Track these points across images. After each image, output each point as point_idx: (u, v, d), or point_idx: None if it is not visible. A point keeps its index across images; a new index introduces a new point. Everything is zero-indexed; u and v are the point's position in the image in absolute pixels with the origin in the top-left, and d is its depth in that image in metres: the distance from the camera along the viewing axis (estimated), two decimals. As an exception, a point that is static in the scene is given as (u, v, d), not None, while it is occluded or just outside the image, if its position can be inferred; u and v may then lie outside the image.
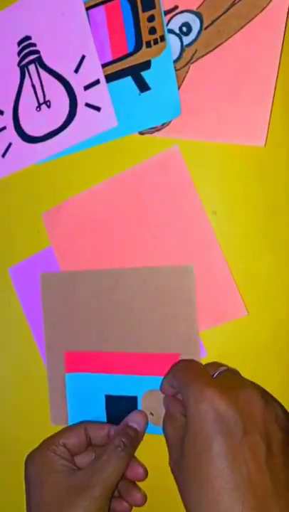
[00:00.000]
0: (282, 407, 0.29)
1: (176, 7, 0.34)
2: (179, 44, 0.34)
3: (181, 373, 0.31)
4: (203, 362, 0.34)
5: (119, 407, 0.35)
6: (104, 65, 0.35)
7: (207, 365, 0.33)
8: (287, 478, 0.26)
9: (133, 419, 0.34)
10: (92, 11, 0.35)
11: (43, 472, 0.32)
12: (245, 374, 0.34)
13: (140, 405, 0.35)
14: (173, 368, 0.32)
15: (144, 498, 0.34)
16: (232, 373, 0.31)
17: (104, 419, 0.36)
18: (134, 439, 0.33)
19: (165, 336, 0.34)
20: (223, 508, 0.25)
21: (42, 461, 0.33)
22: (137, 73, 0.34)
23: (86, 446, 0.34)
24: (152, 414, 0.35)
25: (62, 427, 0.35)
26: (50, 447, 0.33)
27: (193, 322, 0.34)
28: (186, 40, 0.34)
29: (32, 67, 0.36)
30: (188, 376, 0.30)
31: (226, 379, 0.30)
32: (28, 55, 0.36)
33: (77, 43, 0.35)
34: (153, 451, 0.34)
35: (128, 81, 0.35)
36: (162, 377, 0.34)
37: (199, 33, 0.33)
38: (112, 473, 0.30)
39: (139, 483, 0.35)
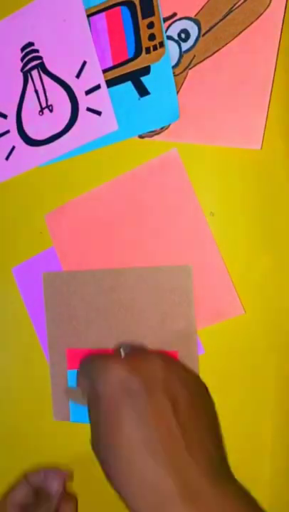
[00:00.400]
0: (184, 366, 0.31)
1: (174, 14, 0.34)
2: (178, 50, 0.35)
3: (86, 360, 0.32)
4: (201, 360, 0.35)
5: None
6: (104, 71, 0.36)
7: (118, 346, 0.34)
8: (196, 430, 0.27)
9: (47, 484, 0.36)
10: (93, 18, 0.36)
11: None
12: (242, 371, 0.35)
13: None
14: (80, 361, 0.33)
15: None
16: (137, 348, 0.32)
17: None
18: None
19: (164, 334, 0.35)
20: (138, 466, 0.26)
21: None
22: (136, 78, 0.35)
23: (33, 494, 0.35)
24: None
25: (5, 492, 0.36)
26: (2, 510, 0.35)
27: (191, 321, 0.35)
28: (185, 46, 0.34)
29: (35, 73, 0.37)
30: (93, 359, 0.31)
31: (130, 354, 0.31)
32: (31, 61, 0.37)
33: (78, 49, 0.36)
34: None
35: (128, 86, 0.35)
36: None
37: (197, 39, 0.34)
38: None
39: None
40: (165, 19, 0.34)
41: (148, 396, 0.27)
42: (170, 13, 0.34)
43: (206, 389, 0.31)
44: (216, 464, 0.27)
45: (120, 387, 0.28)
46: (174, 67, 0.35)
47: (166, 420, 0.27)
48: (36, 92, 0.37)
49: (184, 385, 0.29)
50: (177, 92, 0.35)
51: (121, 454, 0.26)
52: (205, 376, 0.35)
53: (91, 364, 0.31)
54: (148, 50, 0.35)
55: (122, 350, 0.33)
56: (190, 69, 0.34)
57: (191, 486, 0.25)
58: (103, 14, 0.35)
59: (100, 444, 0.28)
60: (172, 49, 0.34)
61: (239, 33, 0.33)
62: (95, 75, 0.36)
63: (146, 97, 0.35)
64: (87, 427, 0.36)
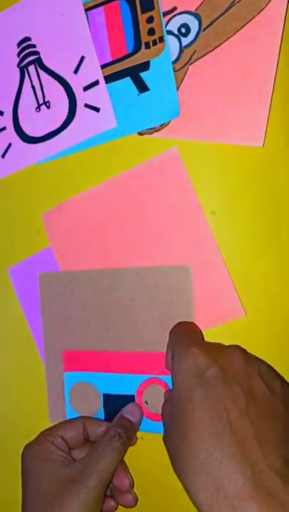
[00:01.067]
0: (267, 364, 0.30)
1: (174, 8, 0.34)
2: (178, 45, 0.34)
3: (173, 334, 0.32)
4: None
5: (117, 406, 0.35)
6: (103, 66, 0.35)
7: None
8: (271, 429, 0.26)
9: (128, 411, 0.35)
10: (91, 12, 0.35)
11: (39, 461, 0.32)
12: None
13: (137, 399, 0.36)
14: (170, 331, 0.33)
15: (136, 499, 0.34)
16: (211, 343, 0.31)
17: (102, 418, 0.36)
18: (129, 429, 0.33)
19: (163, 335, 0.34)
20: (204, 455, 0.24)
21: (39, 451, 0.33)
22: (136, 74, 0.35)
23: (83, 442, 0.34)
24: (147, 403, 0.35)
25: (61, 421, 0.35)
26: (47, 438, 0.33)
27: (191, 321, 0.34)
28: (185, 41, 0.34)
29: (32, 68, 0.37)
30: (177, 337, 0.31)
31: (213, 342, 0.30)
32: (28, 56, 0.37)
33: (76, 44, 0.35)
34: (151, 451, 0.34)
35: (127, 82, 0.35)
36: (160, 376, 0.34)
37: (198, 34, 0.34)
38: (108, 464, 0.30)
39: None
40: (165, 13, 0.34)
41: (224, 386, 0.26)
42: (170, 8, 0.34)
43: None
44: (287, 463, 0.25)
45: (196, 374, 0.27)
46: (174, 62, 0.34)
47: (239, 411, 0.26)
48: (33, 88, 0.37)
49: (264, 381, 0.28)
50: (177, 88, 0.34)
51: (189, 441, 0.25)
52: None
53: (175, 340, 0.31)
54: (147, 45, 0.34)
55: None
56: (190, 64, 0.34)
57: (262, 481, 0.23)
58: (101, 8, 0.35)
59: (171, 435, 0.28)
60: (172, 44, 0.34)
61: (240, 28, 0.33)
62: (93, 71, 0.35)
63: (146, 93, 0.35)
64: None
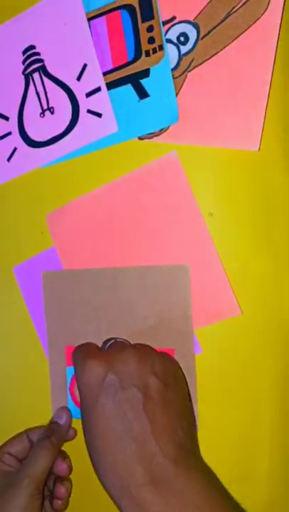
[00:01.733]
0: (161, 357, 0.32)
1: (174, 18, 0.35)
2: (177, 53, 0.35)
3: (73, 355, 0.33)
4: (199, 359, 0.35)
5: None
6: (105, 73, 0.36)
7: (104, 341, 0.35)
8: (167, 420, 0.29)
9: (56, 416, 0.37)
10: (93, 21, 0.36)
11: None
12: (239, 371, 0.35)
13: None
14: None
15: (68, 490, 0.36)
16: (119, 342, 0.34)
17: None
18: (57, 430, 0.36)
19: (161, 332, 0.35)
20: (111, 458, 0.28)
21: None
22: (136, 81, 0.36)
23: (30, 449, 0.36)
24: None
25: (7, 439, 0.37)
26: None
27: (188, 319, 0.35)
28: (184, 49, 0.35)
29: (36, 75, 0.38)
30: (75, 353, 0.33)
31: (111, 348, 0.33)
32: (33, 64, 0.38)
33: (79, 52, 0.36)
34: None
35: (128, 88, 0.36)
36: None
37: (196, 42, 0.35)
38: (37, 463, 0.33)
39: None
40: (164, 23, 0.35)
41: (121, 389, 0.29)
42: (169, 17, 0.35)
43: (182, 379, 0.33)
44: (185, 450, 0.28)
45: (96, 383, 0.30)
46: (173, 69, 0.35)
47: (136, 412, 0.29)
48: (37, 94, 0.38)
49: (156, 376, 0.30)
50: (176, 95, 0.35)
51: (99, 446, 0.29)
52: (202, 376, 0.35)
53: (74, 358, 0.33)
54: (147, 53, 0.35)
55: (106, 345, 0.34)
56: (189, 72, 0.35)
57: (156, 471, 0.27)
58: (103, 18, 0.36)
59: (85, 435, 0.30)
60: (171, 52, 0.35)
61: (237, 37, 0.34)
62: (95, 78, 0.36)
63: (146, 99, 0.36)
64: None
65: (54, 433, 0.35)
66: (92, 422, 0.29)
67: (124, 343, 0.34)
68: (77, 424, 0.37)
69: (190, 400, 0.34)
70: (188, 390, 0.34)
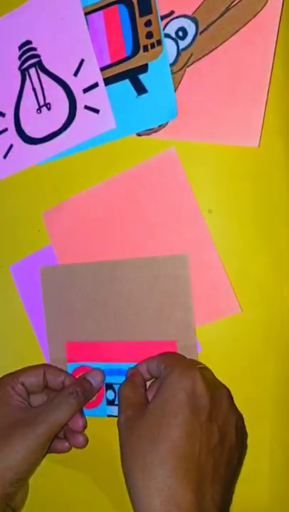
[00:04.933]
0: (242, 419, 0.32)
1: (172, 12, 0.34)
2: (175, 48, 0.35)
3: (169, 357, 0.33)
4: (199, 357, 0.35)
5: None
6: (102, 69, 0.36)
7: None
8: (224, 471, 0.29)
9: (90, 375, 0.36)
10: (90, 16, 0.36)
11: None
12: (239, 369, 0.35)
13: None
14: (160, 354, 0.34)
15: (86, 440, 0.36)
16: (209, 371, 0.33)
17: (105, 407, 0.37)
18: (88, 391, 0.35)
19: (162, 324, 0.35)
20: (168, 468, 0.27)
21: None
22: (134, 76, 0.35)
23: (42, 388, 0.36)
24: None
25: (23, 367, 0.37)
26: (8, 383, 0.35)
27: (189, 310, 0.35)
28: (182, 44, 0.35)
29: (33, 71, 0.37)
30: (176, 359, 0.32)
31: (205, 372, 0.32)
32: (29, 59, 0.37)
33: (76, 47, 0.36)
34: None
35: (126, 84, 0.36)
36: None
37: (195, 37, 0.34)
38: (59, 416, 0.32)
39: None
40: (162, 17, 0.34)
41: (207, 420, 0.29)
42: (167, 11, 0.34)
43: (245, 449, 0.33)
44: (224, 502, 0.28)
45: (190, 395, 0.29)
46: (171, 65, 0.35)
47: (208, 448, 0.28)
48: (34, 90, 0.37)
49: (236, 432, 0.30)
50: (175, 90, 0.35)
51: (157, 451, 0.28)
52: (202, 374, 0.35)
53: (172, 361, 0.32)
54: (146, 48, 0.35)
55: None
56: (188, 67, 0.35)
57: (205, 507, 0.27)
58: (101, 12, 0.36)
59: (138, 430, 0.29)
60: (170, 47, 0.35)
61: (236, 31, 0.34)
62: (92, 73, 0.36)
63: (144, 95, 0.35)
64: (87, 420, 0.36)
65: (84, 392, 0.34)
66: (168, 424, 0.28)
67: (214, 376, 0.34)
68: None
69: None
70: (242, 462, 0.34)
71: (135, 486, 0.27)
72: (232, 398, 0.32)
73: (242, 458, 0.32)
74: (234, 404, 0.32)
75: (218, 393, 0.31)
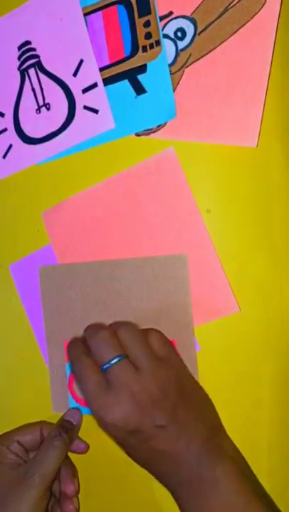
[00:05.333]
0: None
1: (171, 13, 0.35)
2: (174, 48, 0.35)
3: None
4: (197, 357, 0.35)
5: None
6: (101, 69, 0.36)
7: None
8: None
9: (69, 415, 0.37)
10: (90, 16, 0.36)
11: None
12: (237, 368, 0.35)
13: None
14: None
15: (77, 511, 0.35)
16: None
17: None
18: (69, 429, 0.35)
19: (161, 324, 0.35)
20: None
21: None
22: (133, 77, 0.35)
23: (40, 444, 0.36)
24: None
25: (20, 425, 0.37)
26: (3, 442, 0.35)
27: (188, 309, 0.35)
28: (181, 44, 0.35)
29: (32, 71, 0.37)
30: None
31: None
32: (28, 60, 0.37)
33: (75, 47, 0.36)
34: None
35: (125, 84, 0.36)
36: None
37: (193, 37, 0.34)
38: (49, 463, 0.32)
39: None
40: (161, 18, 0.35)
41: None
42: (166, 12, 0.35)
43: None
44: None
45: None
46: (170, 65, 0.35)
47: (141, 387, 0.30)
48: (33, 90, 0.37)
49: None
50: (174, 90, 0.35)
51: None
52: (200, 373, 0.35)
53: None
54: (144, 49, 0.35)
55: None
56: (186, 67, 0.35)
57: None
58: (100, 13, 0.36)
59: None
60: (168, 47, 0.35)
61: (235, 32, 0.34)
62: (91, 74, 0.36)
63: (143, 95, 0.35)
64: (85, 418, 0.36)
65: (67, 432, 0.35)
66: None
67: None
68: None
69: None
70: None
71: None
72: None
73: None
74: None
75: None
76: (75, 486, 0.35)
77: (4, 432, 0.37)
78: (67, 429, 0.35)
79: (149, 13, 0.35)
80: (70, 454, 0.37)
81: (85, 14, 0.36)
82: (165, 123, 0.35)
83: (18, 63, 0.38)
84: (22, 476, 0.32)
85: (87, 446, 0.37)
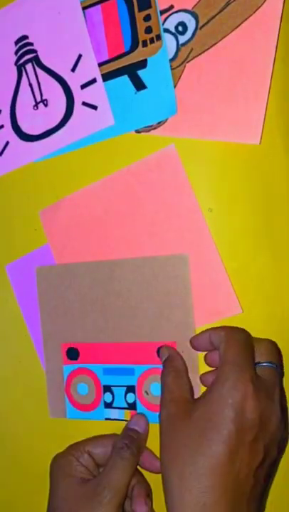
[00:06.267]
0: (287, 436, 0.31)
1: (171, 6, 0.34)
2: (175, 43, 0.34)
3: (234, 342, 0.30)
4: (199, 358, 0.34)
5: (118, 397, 0.36)
6: (100, 64, 0.35)
7: (256, 341, 0.31)
8: (261, 489, 0.28)
9: (133, 423, 0.34)
10: (88, 10, 0.35)
11: (60, 475, 0.32)
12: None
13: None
14: (228, 330, 0.31)
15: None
16: (272, 373, 0.30)
17: (103, 410, 0.37)
18: (136, 439, 0.33)
19: (161, 325, 0.35)
20: (198, 486, 0.26)
21: (62, 464, 0.33)
22: (133, 72, 0.35)
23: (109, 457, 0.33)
24: (147, 393, 0.36)
25: (94, 435, 0.35)
26: (73, 452, 0.33)
27: (189, 310, 0.34)
28: (182, 39, 0.34)
29: (29, 67, 0.37)
30: (238, 351, 0.29)
31: (265, 377, 0.30)
32: (25, 55, 0.37)
33: (73, 42, 0.36)
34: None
35: (124, 80, 0.35)
36: (160, 365, 0.34)
37: (195, 32, 0.34)
38: (118, 476, 0.30)
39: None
40: (162, 12, 0.34)
41: (252, 440, 0.27)
42: (167, 6, 0.34)
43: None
44: None
45: (238, 413, 0.27)
46: (171, 60, 0.34)
47: (250, 469, 0.27)
48: (31, 86, 0.37)
49: (278, 447, 0.29)
50: (174, 86, 0.34)
51: (196, 461, 0.26)
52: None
53: (232, 352, 0.29)
54: (145, 44, 0.34)
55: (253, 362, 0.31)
56: (187, 62, 0.34)
57: None
58: (99, 7, 0.35)
59: (180, 432, 0.28)
60: (169, 42, 0.34)
61: (237, 26, 0.33)
62: (90, 69, 0.35)
63: (143, 91, 0.35)
64: (84, 424, 0.36)
65: (133, 442, 0.32)
66: (205, 437, 0.27)
67: (276, 379, 0.31)
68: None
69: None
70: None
71: (170, 491, 0.27)
72: (283, 412, 0.30)
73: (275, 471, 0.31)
74: (283, 419, 0.29)
75: (269, 411, 0.28)
76: (148, 507, 0.32)
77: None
78: (133, 438, 0.33)
79: (150, 6, 0.34)
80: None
81: (84, 8, 0.35)
82: (166, 119, 0.35)
83: (15, 58, 0.37)
84: (91, 492, 0.30)
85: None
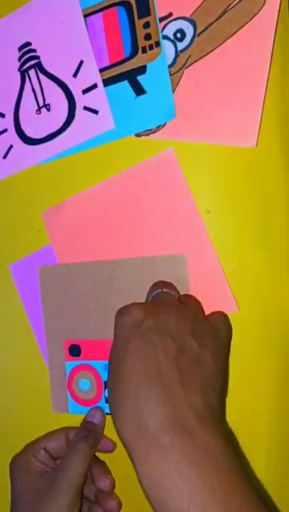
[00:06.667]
0: (205, 323, 0.31)
1: (170, 14, 0.35)
2: (174, 49, 0.35)
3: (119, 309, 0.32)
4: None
5: None
6: (101, 70, 0.36)
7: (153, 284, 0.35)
8: (197, 378, 0.28)
9: (90, 415, 0.36)
10: (90, 18, 0.36)
11: (19, 473, 0.33)
12: (236, 368, 0.35)
13: None
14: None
15: (119, 505, 0.35)
16: (166, 294, 0.33)
17: (105, 406, 0.38)
18: (92, 431, 0.35)
19: None
20: (133, 394, 0.27)
21: (20, 462, 0.34)
22: (133, 77, 0.36)
23: (65, 449, 0.35)
24: None
25: (45, 433, 0.36)
26: (29, 450, 0.35)
27: None
28: (180, 45, 0.35)
29: (32, 72, 0.38)
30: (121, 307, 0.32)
31: (157, 299, 0.32)
32: (29, 61, 0.37)
33: (75, 48, 0.36)
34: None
35: (125, 85, 0.36)
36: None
37: (193, 39, 0.34)
38: (76, 467, 0.31)
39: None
40: (161, 19, 0.35)
41: (157, 335, 0.28)
42: (166, 13, 0.35)
43: (224, 349, 0.32)
44: (212, 409, 0.27)
45: (133, 325, 0.29)
46: (169, 66, 0.35)
47: (168, 360, 0.28)
48: (34, 91, 0.38)
49: (194, 336, 0.29)
50: (173, 91, 0.35)
51: (122, 384, 0.27)
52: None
53: (119, 309, 0.32)
54: (144, 50, 0.35)
55: (153, 293, 0.34)
56: (186, 68, 0.35)
57: (179, 418, 0.26)
58: (100, 14, 0.36)
59: (110, 377, 0.29)
60: (168, 48, 0.35)
61: (234, 33, 0.34)
62: (91, 75, 0.36)
63: (143, 96, 0.35)
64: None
65: (90, 434, 0.34)
66: (122, 358, 0.28)
67: (171, 297, 0.33)
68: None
69: (227, 372, 0.33)
70: (228, 363, 0.33)
71: (114, 424, 0.27)
72: (182, 311, 0.31)
73: (218, 358, 0.30)
74: (186, 316, 0.30)
75: (162, 311, 0.30)
76: (110, 480, 0.34)
77: (1, 429, 0.36)
78: (89, 430, 0.34)
79: (149, 14, 0.35)
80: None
81: (85, 16, 0.36)
82: (165, 123, 0.35)
83: (18, 64, 0.38)
84: (49, 484, 0.31)
85: (115, 445, 0.36)
